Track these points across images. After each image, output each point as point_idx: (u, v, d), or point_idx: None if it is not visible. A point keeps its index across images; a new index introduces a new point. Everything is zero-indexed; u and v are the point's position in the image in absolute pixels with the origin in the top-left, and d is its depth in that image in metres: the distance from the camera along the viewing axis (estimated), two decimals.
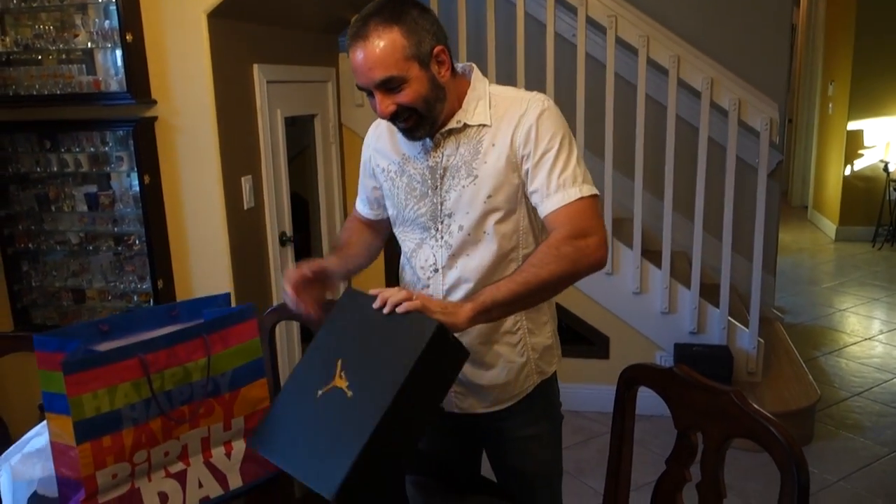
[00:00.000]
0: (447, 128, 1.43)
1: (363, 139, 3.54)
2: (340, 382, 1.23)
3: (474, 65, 1.49)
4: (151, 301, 2.52)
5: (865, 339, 4.36)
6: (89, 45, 2.37)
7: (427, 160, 1.46)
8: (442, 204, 1.46)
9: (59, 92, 2.41)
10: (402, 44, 1.31)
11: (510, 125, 1.41)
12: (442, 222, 1.47)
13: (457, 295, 1.48)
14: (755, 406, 1.21)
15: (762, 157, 3.10)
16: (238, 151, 2.57)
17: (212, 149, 2.42)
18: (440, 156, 1.45)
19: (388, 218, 1.63)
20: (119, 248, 2.56)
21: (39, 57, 2.43)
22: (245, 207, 2.61)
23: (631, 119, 3.30)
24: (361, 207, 1.71)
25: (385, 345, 1.21)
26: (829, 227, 6.99)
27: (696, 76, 3.12)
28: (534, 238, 1.50)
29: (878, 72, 6.31)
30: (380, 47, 1.30)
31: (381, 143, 1.57)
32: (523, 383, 1.55)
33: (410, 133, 1.41)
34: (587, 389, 3.37)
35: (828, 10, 7.10)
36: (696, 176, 3.18)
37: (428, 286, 1.51)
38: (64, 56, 2.42)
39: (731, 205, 3.16)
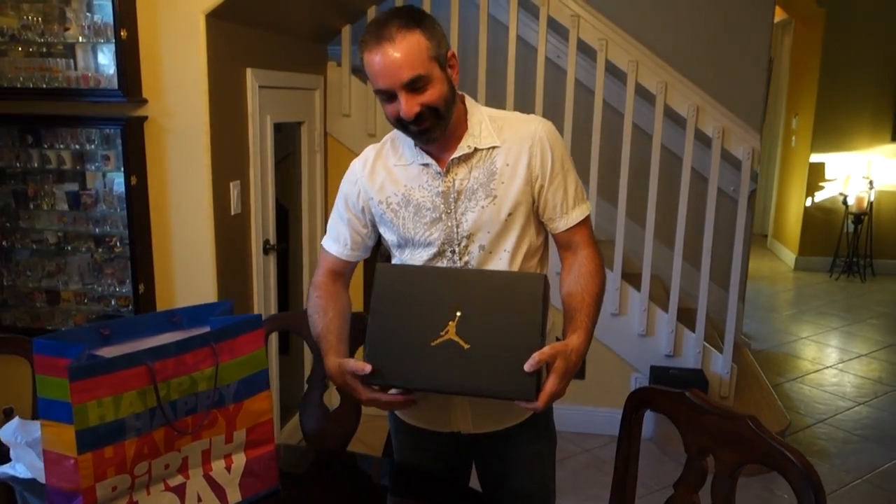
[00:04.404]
0: (457, 154, 1.45)
1: (348, 149, 3.53)
2: (454, 336, 1.34)
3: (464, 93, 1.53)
4: (131, 305, 2.44)
5: (827, 367, 4.47)
6: (80, 39, 2.31)
7: (437, 186, 1.47)
8: (458, 226, 1.47)
9: (44, 86, 2.33)
10: (426, 44, 1.35)
11: (524, 145, 1.46)
12: (459, 244, 1.48)
13: None
14: (771, 432, 1.22)
15: (743, 187, 3.17)
16: (228, 156, 2.52)
17: (203, 152, 2.37)
18: (452, 181, 1.46)
19: (360, 260, 1.65)
20: (99, 250, 2.48)
21: (30, 48, 2.35)
22: (232, 213, 2.56)
23: (614, 145, 3.34)
24: (338, 248, 1.62)
25: (499, 302, 1.35)
26: (789, 256, 7.18)
27: (682, 103, 3.18)
28: (539, 253, 1.56)
29: (841, 108, 6.53)
30: (407, 47, 1.32)
31: (376, 177, 1.54)
32: None
33: (426, 135, 1.40)
34: (562, 409, 3.35)
35: (794, 45, 7.34)
36: (679, 203, 3.23)
37: None
38: (52, 49, 2.35)
39: (711, 232, 3.22)
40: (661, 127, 3.20)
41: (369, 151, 1.58)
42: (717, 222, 3.48)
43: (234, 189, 2.56)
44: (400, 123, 1.40)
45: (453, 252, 1.48)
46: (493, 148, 1.46)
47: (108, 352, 1.33)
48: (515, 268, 1.50)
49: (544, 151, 1.46)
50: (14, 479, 1.52)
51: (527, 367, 1.30)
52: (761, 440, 1.22)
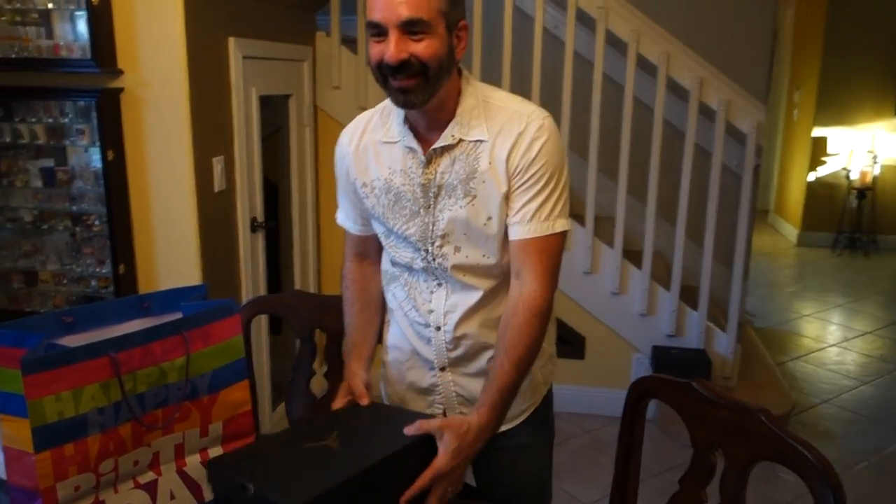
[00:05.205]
0: (441, 144, 1.29)
1: (339, 122, 3.41)
2: (331, 442, 1.23)
3: (462, 67, 1.36)
4: (112, 286, 2.34)
5: (831, 346, 4.40)
6: (50, 6, 2.18)
7: (419, 177, 1.32)
8: (434, 224, 1.33)
9: (14, 56, 2.21)
10: None
11: (507, 142, 1.28)
12: (433, 243, 1.34)
13: (455, 314, 1.38)
14: (785, 427, 1.13)
15: (748, 162, 3.06)
16: (210, 130, 2.40)
17: (183, 126, 2.25)
18: (433, 173, 1.31)
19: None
20: (77, 229, 2.37)
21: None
22: (216, 190, 2.45)
23: (615, 119, 3.22)
24: (351, 225, 1.52)
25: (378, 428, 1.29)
26: (791, 231, 7.09)
27: (685, 75, 3.06)
28: None
29: (844, 82, 6.40)
30: None
31: (361, 155, 1.40)
32: (531, 397, 1.46)
33: (406, 95, 1.23)
34: (561, 390, 3.28)
35: (796, 17, 7.17)
36: (681, 178, 3.12)
37: (430, 300, 1.40)
38: (21, 17, 2.22)
39: (715, 208, 3.11)
40: (664, 100, 3.08)
41: (358, 123, 1.44)
42: (720, 198, 3.38)
43: (217, 165, 2.45)
44: (380, 71, 1.23)
45: (427, 252, 1.35)
46: (480, 142, 1.29)
47: (70, 341, 1.23)
48: (498, 275, 1.35)
49: (529, 149, 1.27)
50: None
51: (407, 430, 1.22)
52: (775, 436, 1.13)
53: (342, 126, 1.43)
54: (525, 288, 1.29)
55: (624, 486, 1.40)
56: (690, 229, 3.26)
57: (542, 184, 1.28)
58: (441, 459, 1.19)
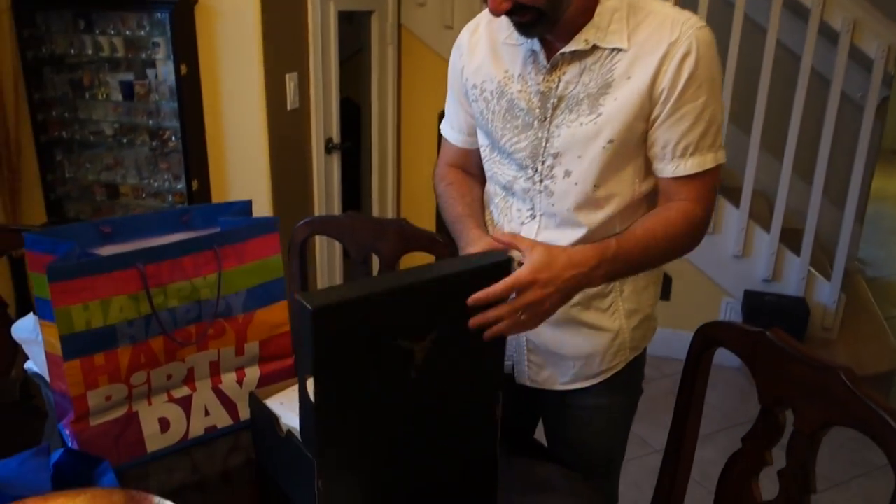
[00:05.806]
0: (571, 48, 1.12)
1: (423, 42, 3.27)
2: (419, 352, 0.96)
3: None
4: (186, 202, 2.37)
5: None
6: None
7: (538, 84, 1.17)
8: (548, 140, 1.17)
9: None
10: None
11: (655, 55, 1.10)
12: (543, 162, 1.19)
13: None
14: (873, 393, 0.98)
15: (873, 92, 2.72)
16: (283, 45, 2.34)
17: (254, 39, 2.20)
18: (556, 81, 1.15)
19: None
20: (154, 143, 2.39)
21: None
22: (289, 108, 2.40)
23: (721, 38, 2.92)
24: (455, 135, 1.39)
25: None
26: None
27: None
28: (644, 201, 1.23)
29: None
30: None
31: (476, 53, 1.26)
32: (612, 359, 1.30)
33: (526, 29, 1.10)
34: None
35: None
36: (793, 107, 2.82)
37: (519, 233, 1.25)
38: None
39: (829, 143, 2.81)
40: (779, 17, 2.76)
41: (480, 18, 1.30)
42: (838, 132, 3.04)
43: (290, 82, 2.39)
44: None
45: (535, 171, 1.20)
46: (618, 51, 1.11)
47: (107, 251, 1.21)
48: (612, 208, 1.18)
49: (680, 68, 1.08)
50: (37, 374, 1.47)
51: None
52: (856, 399, 0.98)
53: (426, 45, 1.27)
54: (682, 202, 1.16)
55: (679, 440, 1.28)
56: (799, 165, 2.96)
57: (699, 108, 1.11)
58: (522, 270, 1.03)
